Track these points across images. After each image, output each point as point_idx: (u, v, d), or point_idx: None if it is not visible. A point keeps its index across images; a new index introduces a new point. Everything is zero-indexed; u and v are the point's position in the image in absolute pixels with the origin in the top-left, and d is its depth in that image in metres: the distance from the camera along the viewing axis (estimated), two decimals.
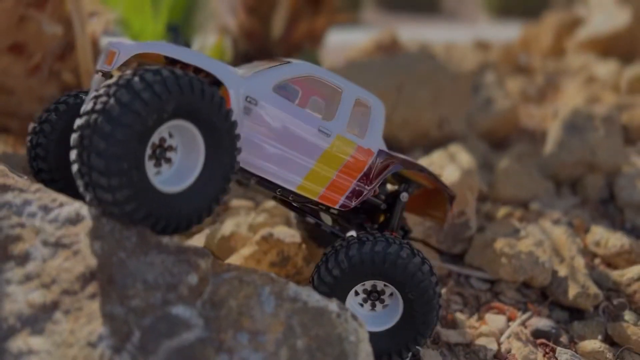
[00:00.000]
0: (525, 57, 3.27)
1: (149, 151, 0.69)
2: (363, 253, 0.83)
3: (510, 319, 1.10)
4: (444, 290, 1.17)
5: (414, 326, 0.87)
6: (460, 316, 1.10)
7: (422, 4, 7.36)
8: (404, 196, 1.00)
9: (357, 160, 0.92)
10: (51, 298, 0.61)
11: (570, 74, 2.85)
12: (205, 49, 2.53)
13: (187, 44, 0.84)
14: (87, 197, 0.66)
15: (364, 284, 0.87)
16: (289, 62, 0.91)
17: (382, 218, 1.06)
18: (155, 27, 2.60)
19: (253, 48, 2.66)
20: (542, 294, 1.18)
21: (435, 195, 1.08)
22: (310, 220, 1.03)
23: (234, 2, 2.77)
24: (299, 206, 1.00)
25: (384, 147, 0.98)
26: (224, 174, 0.75)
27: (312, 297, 0.66)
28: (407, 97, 2.02)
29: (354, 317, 0.66)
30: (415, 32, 4.18)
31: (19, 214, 0.68)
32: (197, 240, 1.32)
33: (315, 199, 0.90)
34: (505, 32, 4.38)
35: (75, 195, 0.77)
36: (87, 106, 0.65)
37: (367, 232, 0.89)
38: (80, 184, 0.66)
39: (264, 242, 1.17)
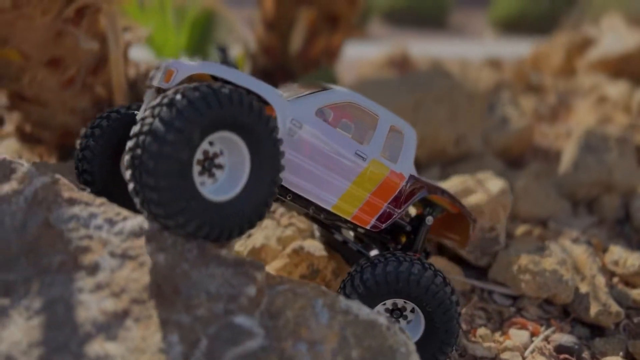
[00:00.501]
0: (537, 76, 3.32)
1: (197, 168, 0.73)
2: (376, 275, 0.88)
3: (533, 334, 1.14)
4: (467, 306, 1.21)
5: (438, 337, 0.92)
6: (484, 331, 1.14)
7: (428, 19, 7.42)
8: (429, 220, 1.04)
9: (389, 183, 0.97)
10: (122, 306, 0.66)
11: (581, 93, 2.90)
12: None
13: (235, 64, 0.90)
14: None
15: (384, 304, 0.91)
16: (330, 89, 0.96)
17: (404, 239, 1.10)
18: (177, 41, 2.66)
19: (271, 63, 2.71)
20: (564, 310, 1.21)
21: (456, 219, 1.12)
22: (338, 237, 1.07)
23: (252, 18, 2.83)
24: (328, 223, 1.04)
25: (414, 173, 1.03)
26: (270, 178, 0.79)
27: (363, 311, 0.71)
28: (424, 115, 2.07)
29: (402, 330, 0.70)
30: (423, 48, 4.24)
31: (87, 226, 0.73)
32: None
33: (349, 218, 0.95)
34: (513, 49, 4.45)
35: (121, 205, 0.82)
36: (130, 143, 0.70)
37: (380, 254, 0.93)
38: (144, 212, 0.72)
39: (295, 255, 1.22)
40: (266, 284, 0.73)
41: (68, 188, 0.77)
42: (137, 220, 0.75)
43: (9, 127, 1.79)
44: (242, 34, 2.87)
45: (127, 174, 0.70)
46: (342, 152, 0.92)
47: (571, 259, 1.28)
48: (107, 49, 1.58)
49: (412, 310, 0.92)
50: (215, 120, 0.72)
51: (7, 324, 0.63)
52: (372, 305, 0.88)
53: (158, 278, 0.68)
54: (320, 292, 0.72)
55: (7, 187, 0.74)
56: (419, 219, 1.06)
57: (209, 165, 0.76)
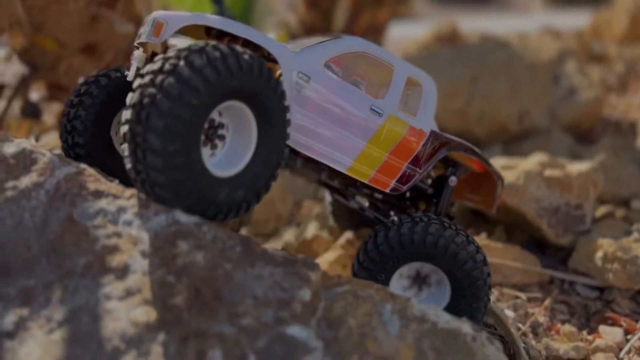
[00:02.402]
0: (600, 45, 3.07)
1: (204, 126, 0.65)
2: (390, 238, 0.78)
3: (628, 332, 0.99)
4: (548, 300, 1.07)
5: (465, 303, 0.81)
6: (569, 328, 0.99)
7: None
8: (453, 180, 0.94)
9: (408, 141, 0.86)
10: (155, 316, 0.56)
11: None
12: None
13: (233, 17, 0.78)
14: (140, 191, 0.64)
15: (401, 274, 0.81)
16: (339, 37, 0.85)
17: (423, 206, 0.99)
18: None
19: None
20: None
21: (481, 180, 1.00)
22: (354, 205, 0.97)
23: None
24: (342, 190, 0.96)
25: (435, 128, 0.92)
26: (275, 159, 0.71)
27: (442, 317, 0.58)
28: (483, 89, 1.91)
29: (490, 339, 0.58)
30: (470, 24, 4.03)
31: (115, 222, 0.63)
32: (275, 243, 1.27)
33: (366, 181, 0.85)
34: (566, 21, 4.17)
35: (109, 172, 0.75)
36: (134, 96, 0.61)
37: (395, 218, 0.85)
38: (135, 179, 0.63)
39: (349, 246, 1.11)
40: (322, 285, 0.61)
41: (94, 179, 0.68)
42: (172, 214, 0.65)
43: (50, 120, 1.74)
44: (282, 14, 2.76)
45: (124, 133, 0.61)
46: (355, 107, 0.81)
47: None
48: None
49: (434, 279, 0.82)
50: (230, 86, 0.64)
51: (25, 339, 0.55)
52: (390, 272, 0.79)
53: (196, 281, 0.58)
54: (387, 295, 0.61)
55: (27, 180, 0.66)
56: (442, 181, 0.95)
57: (212, 135, 0.68)
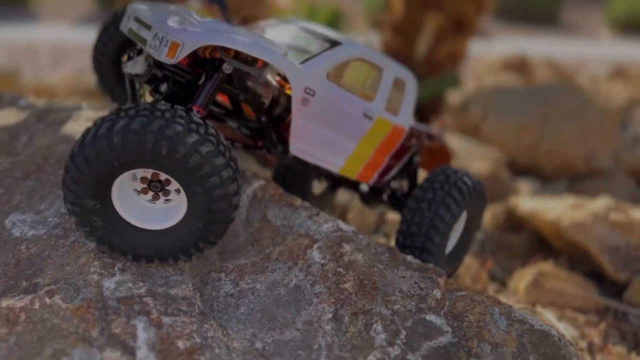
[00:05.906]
0: None
1: (137, 187, 0.72)
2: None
3: None
4: (603, 324, 1.25)
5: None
6: (621, 349, 1.18)
7: (540, 15, 7.18)
8: (417, 158, 1.05)
9: (392, 138, 0.96)
10: (331, 294, 0.79)
11: None
12: None
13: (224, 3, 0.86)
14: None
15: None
16: (338, 44, 0.88)
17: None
18: None
19: None
20: None
21: (434, 154, 1.13)
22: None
23: (379, 21, 2.93)
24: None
25: (412, 122, 1.01)
26: (204, 224, 0.73)
27: (536, 321, 0.80)
28: (553, 129, 2.09)
29: (570, 342, 0.79)
30: (535, 47, 4.14)
31: (299, 224, 0.87)
32: None
33: (354, 177, 0.96)
34: (633, 52, 4.24)
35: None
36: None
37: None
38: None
39: None
40: (446, 288, 0.84)
41: (275, 190, 0.92)
42: (336, 222, 0.88)
43: None
44: (368, 37, 2.98)
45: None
46: (351, 114, 0.88)
47: None
48: None
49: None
50: (131, 159, 0.67)
51: (242, 300, 0.79)
52: None
53: (360, 274, 0.81)
54: (496, 302, 0.82)
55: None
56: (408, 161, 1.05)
57: (154, 187, 0.72)
